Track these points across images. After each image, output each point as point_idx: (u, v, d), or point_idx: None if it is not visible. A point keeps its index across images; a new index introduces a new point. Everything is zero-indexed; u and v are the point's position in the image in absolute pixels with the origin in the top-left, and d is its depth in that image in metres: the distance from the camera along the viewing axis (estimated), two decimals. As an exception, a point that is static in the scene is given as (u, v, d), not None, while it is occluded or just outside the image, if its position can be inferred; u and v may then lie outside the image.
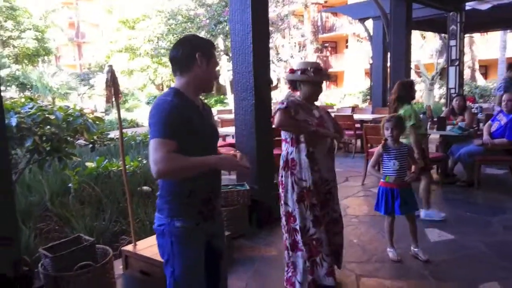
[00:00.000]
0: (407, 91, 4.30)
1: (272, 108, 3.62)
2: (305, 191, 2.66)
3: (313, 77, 2.67)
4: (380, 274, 3.06)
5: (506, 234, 3.85)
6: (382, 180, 3.33)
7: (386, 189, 3.28)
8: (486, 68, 23.78)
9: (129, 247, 3.21)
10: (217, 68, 1.91)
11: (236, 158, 1.76)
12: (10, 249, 2.27)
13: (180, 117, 1.66)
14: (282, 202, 2.75)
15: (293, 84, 2.77)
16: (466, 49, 19.91)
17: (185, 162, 1.62)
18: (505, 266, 3.14)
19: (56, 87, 21.83)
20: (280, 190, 2.78)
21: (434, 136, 6.48)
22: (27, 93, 21.13)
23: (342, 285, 2.89)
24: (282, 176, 2.74)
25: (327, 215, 2.79)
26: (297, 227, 2.67)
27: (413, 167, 3.38)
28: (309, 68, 2.68)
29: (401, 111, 4.18)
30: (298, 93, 2.76)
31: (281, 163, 2.75)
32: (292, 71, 2.76)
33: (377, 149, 3.41)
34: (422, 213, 4.22)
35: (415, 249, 3.34)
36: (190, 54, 1.73)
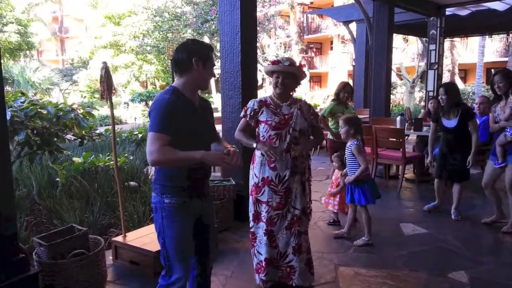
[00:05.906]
0: (339, 91, 4.99)
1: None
2: (253, 187, 2.79)
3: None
4: (356, 264, 3.26)
5: (474, 228, 4.12)
6: None
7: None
8: (465, 72, 24.38)
9: (119, 238, 3.33)
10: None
11: (225, 155, 1.91)
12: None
13: (175, 113, 1.88)
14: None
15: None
16: (447, 53, 20.41)
17: (174, 155, 1.85)
18: (472, 257, 3.39)
19: (38, 82, 21.53)
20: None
21: (412, 136, 6.75)
22: (8, 88, 20.76)
23: (321, 274, 3.08)
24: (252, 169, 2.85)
25: (289, 212, 2.76)
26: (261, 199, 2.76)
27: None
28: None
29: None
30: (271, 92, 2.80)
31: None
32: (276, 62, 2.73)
33: None
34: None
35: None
36: (188, 59, 1.96)
